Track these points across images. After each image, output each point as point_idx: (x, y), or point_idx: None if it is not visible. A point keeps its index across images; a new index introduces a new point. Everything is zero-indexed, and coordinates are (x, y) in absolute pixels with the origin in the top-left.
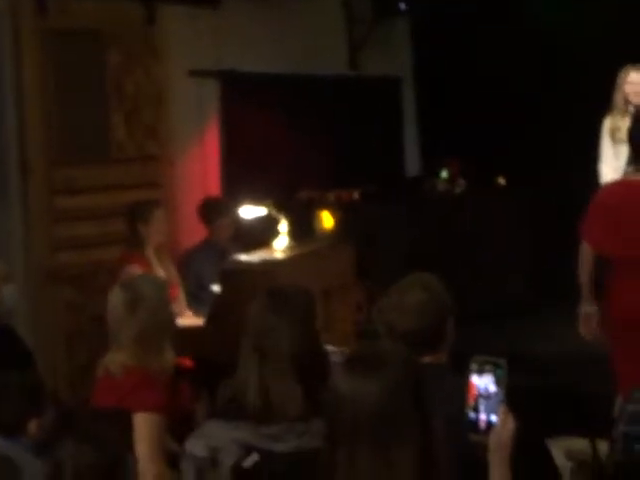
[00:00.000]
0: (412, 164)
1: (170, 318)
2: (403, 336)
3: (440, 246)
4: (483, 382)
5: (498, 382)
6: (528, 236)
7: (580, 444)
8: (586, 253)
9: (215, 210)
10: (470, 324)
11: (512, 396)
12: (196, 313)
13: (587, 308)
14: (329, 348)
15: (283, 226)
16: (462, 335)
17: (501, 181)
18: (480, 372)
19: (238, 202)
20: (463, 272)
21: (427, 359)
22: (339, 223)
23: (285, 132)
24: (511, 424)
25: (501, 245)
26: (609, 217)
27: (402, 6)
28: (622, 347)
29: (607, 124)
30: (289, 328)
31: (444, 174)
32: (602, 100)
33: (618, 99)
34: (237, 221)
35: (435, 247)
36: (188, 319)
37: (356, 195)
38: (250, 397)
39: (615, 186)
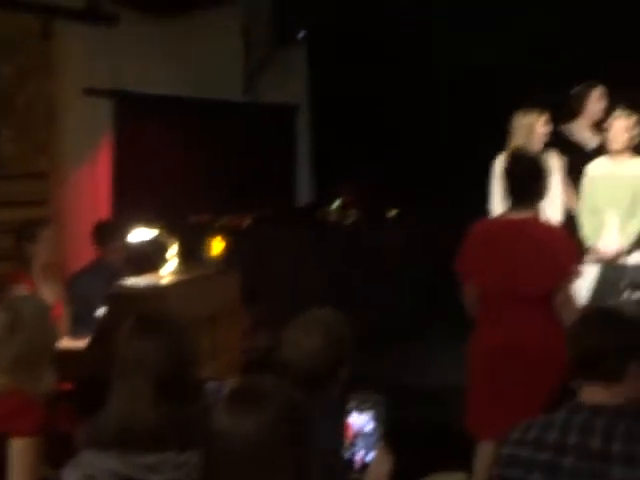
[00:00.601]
0: (305, 192)
1: (51, 341)
2: (296, 373)
3: (331, 273)
4: (362, 420)
5: (377, 419)
6: (418, 266)
7: (459, 478)
8: (466, 287)
9: (108, 233)
10: (357, 351)
11: (394, 431)
12: (80, 336)
13: None
14: (210, 380)
15: (173, 250)
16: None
17: (393, 212)
18: (359, 410)
19: (128, 224)
20: (353, 299)
21: (317, 396)
22: (229, 249)
23: (178, 155)
24: (387, 462)
25: (391, 274)
26: (481, 252)
27: (300, 34)
28: (486, 384)
29: (499, 164)
30: (156, 354)
31: (337, 203)
32: (500, 138)
33: (516, 140)
34: (129, 244)
35: (326, 274)
36: (70, 342)
37: (248, 221)
38: (122, 425)
39: (489, 223)
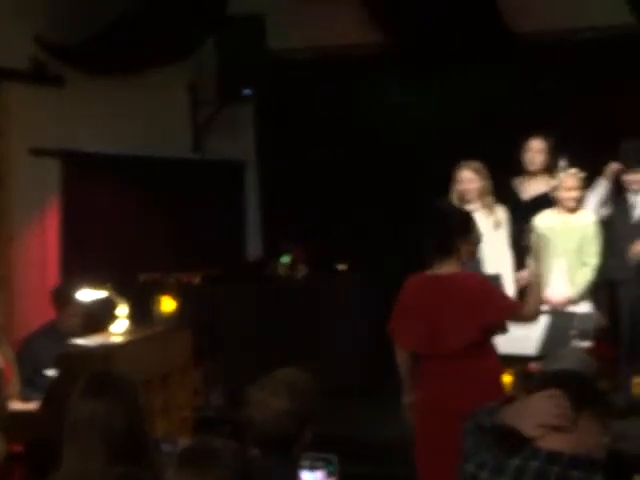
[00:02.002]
0: (255, 248)
1: (1, 404)
2: (260, 434)
3: (281, 329)
4: (314, 478)
5: (329, 477)
6: (372, 319)
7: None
8: (398, 348)
9: (65, 296)
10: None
11: None
12: (30, 398)
13: (406, 399)
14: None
15: (122, 309)
16: None
17: (342, 267)
18: (312, 468)
19: (77, 284)
20: (303, 354)
21: (279, 456)
22: (179, 306)
23: (127, 214)
24: None
25: (341, 329)
26: (408, 310)
27: (246, 91)
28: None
29: None
30: (107, 414)
31: (286, 259)
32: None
33: (455, 196)
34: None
35: (277, 330)
36: (21, 404)
37: (197, 278)
38: None
39: (417, 282)
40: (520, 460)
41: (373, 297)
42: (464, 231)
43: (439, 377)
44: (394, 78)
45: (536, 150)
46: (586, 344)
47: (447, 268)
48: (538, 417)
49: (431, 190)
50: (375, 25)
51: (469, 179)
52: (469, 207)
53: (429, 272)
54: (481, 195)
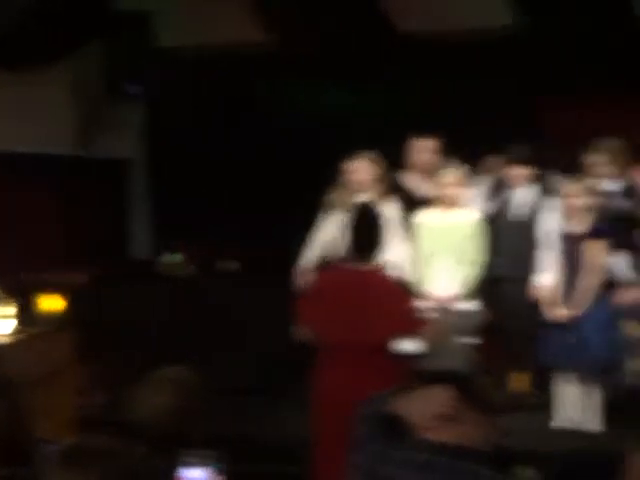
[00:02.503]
0: (143, 247)
1: None
2: (143, 432)
3: (170, 329)
4: (200, 475)
5: (216, 475)
6: (265, 319)
7: None
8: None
9: None
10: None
11: None
12: None
13: None
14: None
15: (9, 309)
16: None
17: (232, 265)
18: (198, 465)
19: None
20: (194, 354)
21: (161, 455)
22: (65, 306)
23: (10, 212)
24: None
25: (233, 328)
26: (321, 302)
27: (132, 89)
28: (329, 437)
29: (326, 214)
30: None
31: (175, 257)
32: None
33: (346, 187)
34: None
35: (165, 329)
36: None
37: (84, 277)
38: None
39: (331, 273)
40: (408, 451)
41: (266, 295)
42: (379, 228)
43: (343, 370)
44: (283, 76)
45: (424, 149)
46: (470, 341)
47: (363, 264)
48: (428, 409)
49: (318, 189)
50: (264, 25)
51: (361, 169)
52: (361, 197)
53: (348, 266)
54: (375, 186)
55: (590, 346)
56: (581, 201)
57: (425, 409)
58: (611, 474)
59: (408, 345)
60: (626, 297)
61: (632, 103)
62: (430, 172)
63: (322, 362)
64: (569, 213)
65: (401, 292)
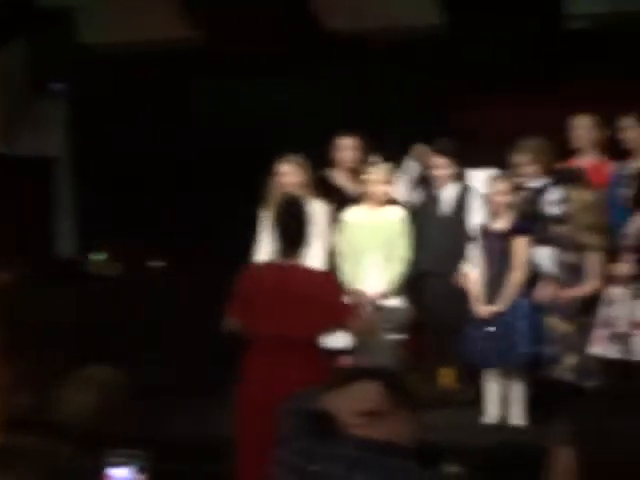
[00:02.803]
0: (68, 246)
1: None
2: (68, 431)
3: (97, 328)
4: (123, 474)
5: (139, 474)
6: (193, 317)
7: None
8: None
9: None
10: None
11: None
12: None
13: None
14: None
15: None
16: None
17: (158, 263)
18: (121, 464)
19: None
20: (119, 353)
21: (85, 454)
22: None
23: None
24: None
25: (165, 326)
26: (250, 299)
27: (57, 86)
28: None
29: (265, 214)
30: None
31: (101, 256)
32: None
33: (275, 188)
34: None
35: (89, 328)
36: None
37: (8, 276)
38: None
39: (258, 268)
40: (335, 447)
41: (192, 293)
42: (306, 224)
43: (273, 364)
44: (213, 74)
45: (346, 147)
46: (398, 337)
47: (294, 259)
48: (356, 405)
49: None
50: (191, 21)
51: (290, 172)
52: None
53: (276, 261)
54: (302, 189)
55: (514, 341)
56: (505, 199)
57: (352, 405)
58: (536, 469)
59: (336, 341)
60: (545, 293)
61: (553, 101)
62: (355, 170)
63: (249, 358)
64: (494, 210)
65: (327, 285)
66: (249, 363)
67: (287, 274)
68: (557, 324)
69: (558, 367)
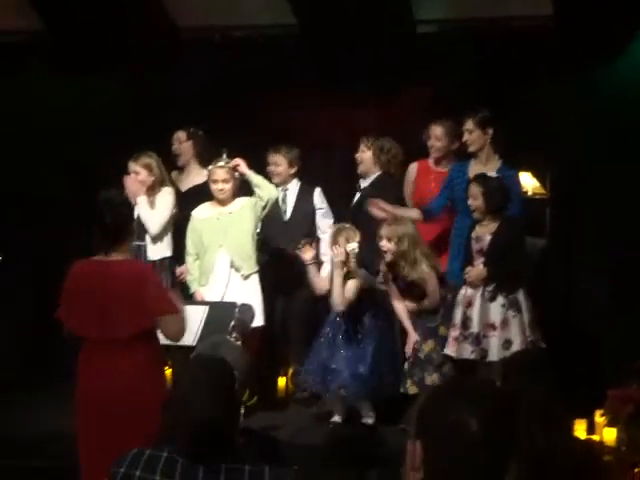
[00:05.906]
0: None
1: None
2: None
3: None
4: None
5: None
6: (19, 311)
7: None
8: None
9: None
10: None
11: None
12: None
13: None
14: None
15: None
16: None
17: None
18: None
19: None
20: None
21: None
22: None
23: None
24: None
25: None
26: (74, 296)
27: None
28: (92, 434)
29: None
30: None
31: None
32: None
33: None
34: None
35: None
36: None
37: None
38: None
39: (82, 265)
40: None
41: (25, 288)
42: (132, 219)
43: (103, 365)
44: (41, 71)
45: (182, 142)
46: (241, 338)
47: (116, 255)
48: None
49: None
50: (33, 14)
51: (139, 173)
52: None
53: (98, 258)
54: (154, 187)
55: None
56: None
57: None
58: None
59: (186, 339)
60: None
61: (399, 103)
62: (196, 166)
63: (84, 356)
64: None
65: (142, 278)
66: (84, 362)
67: (108, 271)
68: (427, 347)
69: (426, 384)
